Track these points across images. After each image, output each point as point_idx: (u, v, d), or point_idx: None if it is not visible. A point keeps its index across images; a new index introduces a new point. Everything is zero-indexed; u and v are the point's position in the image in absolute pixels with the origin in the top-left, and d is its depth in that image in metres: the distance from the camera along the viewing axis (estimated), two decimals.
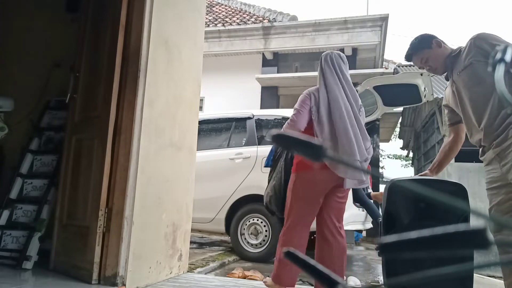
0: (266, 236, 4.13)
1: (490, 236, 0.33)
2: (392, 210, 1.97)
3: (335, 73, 2.29)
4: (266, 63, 9.27)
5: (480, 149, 1.93)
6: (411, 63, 2.16)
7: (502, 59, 0.84)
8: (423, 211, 1.80)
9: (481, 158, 1.94)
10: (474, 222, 0.33)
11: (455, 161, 7.03)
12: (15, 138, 3.21)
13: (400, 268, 1.81)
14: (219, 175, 4.41)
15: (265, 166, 3.57)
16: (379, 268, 4.38)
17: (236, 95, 8.68)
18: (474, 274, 4.52)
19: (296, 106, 2.27)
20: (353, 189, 4.18)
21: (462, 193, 1.86)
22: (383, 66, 9.70)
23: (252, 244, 4.18)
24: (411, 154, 13.07)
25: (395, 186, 1.96)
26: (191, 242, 3.58)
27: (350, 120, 2.21)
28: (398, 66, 9.61)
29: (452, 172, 6.79)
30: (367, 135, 2.32)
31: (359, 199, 4.36)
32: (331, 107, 2.22)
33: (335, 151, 2.20)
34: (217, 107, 8.07)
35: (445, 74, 2.09)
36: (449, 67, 2.02)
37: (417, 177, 2.08)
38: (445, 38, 2.09)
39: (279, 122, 4.53)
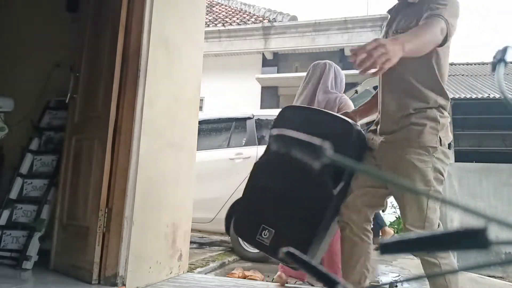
0: None
1: (491, 236, 0.33)
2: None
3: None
4: (266, 63, 9.27)
5: (372, 129, 1.74)
6: None
7: (502, 59, 0.84)
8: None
9: (369, 140, 1.74)
10: (474, 222, 0.33)
11: (455, 161, 7.02)
12: (15, 138, 3.21)
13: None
14: (219, 175, 4.41)
15: None
16: (379, 268, 4.38)
17: (236, 95, 8.68)
18: (474, 274, 4.52)
19: None
20: None
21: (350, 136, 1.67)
22: None
23: None
24: None
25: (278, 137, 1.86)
26: (191, 242, 3.58)
27: None
28: None
29: (452, 172, 6.79)
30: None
31: None
32: None
33: None
34: (217, 107, 8.08)
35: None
36: (401, 8, 1.67)
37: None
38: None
39: None
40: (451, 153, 1.67)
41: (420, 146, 1.51)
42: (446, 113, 1.60)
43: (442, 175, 1.55)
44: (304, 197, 1.71)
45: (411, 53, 1.38)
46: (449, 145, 1.59)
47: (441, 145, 1.53)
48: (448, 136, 1.60)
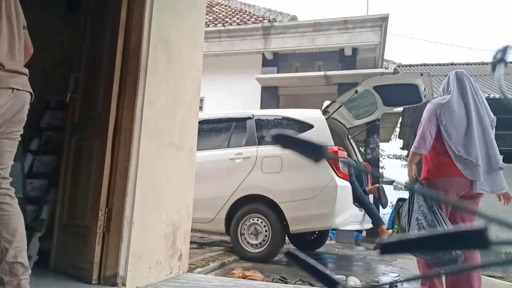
0: (266, 236, 4.13)
1: (491, 236, 0.33)
2: None
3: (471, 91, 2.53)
4: (266, 63, 9.26)
5: None
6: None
7: (502, 59, 0.84)
8: None
9: None
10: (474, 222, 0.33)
11: None
12: None
13: None
14: (219, 175, 4.41)
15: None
16: (379, 268, 4.38)
17: (236, 95, 8.68)
18: None
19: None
20: (352, 188, 4.18)
21: None
22: (383, 66, 9.69)
23: (252, 244, 4.18)
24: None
25: None
26: (191, 242, 3.58)
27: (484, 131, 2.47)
28: (398, 66, 9.60)
29: None
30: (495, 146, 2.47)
31: (357, 199, 4.35)
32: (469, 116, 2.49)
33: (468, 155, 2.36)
34: (217, 107, 8.07)
35: None
36: None
37: None
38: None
39: (279, 122, 4.53)
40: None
41: None
42: None
43: None
44: None
45: None
46: None
47: None
48: None
